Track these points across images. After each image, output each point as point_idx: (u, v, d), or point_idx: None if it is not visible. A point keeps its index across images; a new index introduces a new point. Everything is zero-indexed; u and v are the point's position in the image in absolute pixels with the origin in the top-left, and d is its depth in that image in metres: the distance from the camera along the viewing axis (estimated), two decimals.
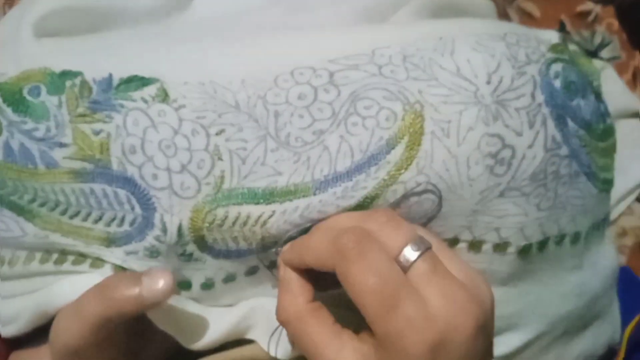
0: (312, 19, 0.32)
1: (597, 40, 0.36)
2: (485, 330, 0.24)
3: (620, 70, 0.42)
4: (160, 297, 0.26)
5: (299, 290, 0.26)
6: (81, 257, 0.28)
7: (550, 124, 0.28)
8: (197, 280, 0.29)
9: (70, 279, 0.28)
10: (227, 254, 0.28)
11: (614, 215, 0.34)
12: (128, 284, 0.26)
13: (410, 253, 0.24)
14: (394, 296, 0.23)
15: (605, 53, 0.36)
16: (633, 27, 0.43)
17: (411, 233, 0.25)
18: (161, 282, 0.26)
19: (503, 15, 0.44)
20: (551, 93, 0.29)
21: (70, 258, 0.28)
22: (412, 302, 0.23)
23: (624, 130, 0.34)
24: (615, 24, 0.43)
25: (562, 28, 0.34)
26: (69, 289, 0.27)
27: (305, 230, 0.27)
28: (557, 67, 0.30)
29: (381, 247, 0.24)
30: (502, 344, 0.31)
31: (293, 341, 0.27)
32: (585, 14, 0.44)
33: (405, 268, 0.24)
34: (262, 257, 0.28)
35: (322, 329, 0.25)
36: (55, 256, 0.28)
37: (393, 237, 0.25)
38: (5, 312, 0.30)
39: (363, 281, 0.24)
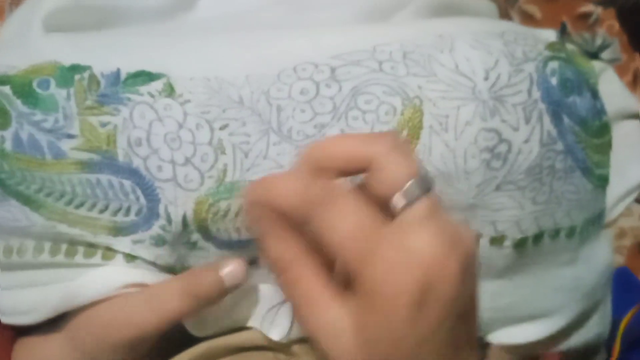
0: (315, 19, 0.33)
1: (598, 42, 0.36)
2: (471, 273, 0.23)
3: (621, 72, 0.42)
4: (239, 276, 0.28)
5: (282, 238, 0.24)
6: (91, 248, 0.29)
7: (546, 119, 0.29)
8: None
9: (95, 273, 0.29)
10: (229, 244, 0.29)
11: (612, 216, 0.34)
12: (207, 273, 0.28)
13: (410, 192, 0.23)
14: (371, 239, 0.22)
15: (605, 55, 0.36)
16: (634, 29, 0.43)
17: (415, 168, 0.23)
18: (236, 263, 0.28)
19: (505, 16, 0.44)
20: (547, 90, 0.29)
21: (81, 250, 0.29)
22: (392, 245, 0.22)
23: (623, 131, 0.34)
24: (616, 25, 0.43)
25: (563, 29, 0.34)
26: (96, 283, 0.28)
27: None
28: (553, 64, 0.30)
29: (355, 193, 0.23)
30: (498, 337, 0.31)
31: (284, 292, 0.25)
32: (586, 16, 0.44)
33: (404, 206, 0.23)
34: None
35: (313, 283, 0.24)
36: (64, 247, 0.29)
37: (395, 171, 0.23)
38: (19, 301, 0.30)
39: (338, 227, 0.22)
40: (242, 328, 0.30)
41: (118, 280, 0.28)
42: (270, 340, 0.29)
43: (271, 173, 0.27)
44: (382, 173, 0.23)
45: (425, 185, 0.23)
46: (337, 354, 0.23)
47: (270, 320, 0.29)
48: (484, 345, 0.28)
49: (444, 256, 0.22)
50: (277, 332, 0.29)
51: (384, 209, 0.23)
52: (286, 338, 0.29)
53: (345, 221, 0.22)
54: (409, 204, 0.22)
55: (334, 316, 0.23)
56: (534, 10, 0.46)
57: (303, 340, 0.29)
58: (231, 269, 0.28)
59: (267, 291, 0.30)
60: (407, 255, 0.22)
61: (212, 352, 0.30)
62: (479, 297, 0.24)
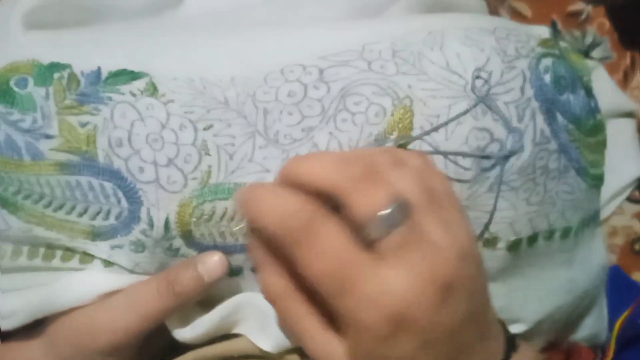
0: (304, 16, 0.32)
1: (588, 40, 0.36)
2: (456, 293, 0.23)
3: (611, 70, 0.42)
4: (219, 271, 0.27)
5: (275, 269, 0.25)
6: (69, 252, 0.28)
7: (540, 118, 0.28)
8: None
9: (73, 279, 0.28)
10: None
11: (604, 214, 0.34)
12: (186, 269, 0.27)
13: (384, 221, 0.22)
14: (347, 277, 0.22)
15: (596, 53, 0.36)
16: (624, 27, 0.43)
17: (388, 195, 0.22)
18: (215, 257, 0.27)
19: (494, 14, 0.44)
20: (540, 87, 0.29)
21: (59, 253, 0.28)
22: (367, 280, 0.22)
23: (614, 129, 0.34)
24: (607, 23, 0.43)
25: (553, 28, 0.34)
26: (74, 289, 0.28)
27: None
28: (547, 61, 0.30)
29: (334, 225, 0.22)
30: None
31: (280, 320, 0.27)
32: (576, 14, 0.44)
33: (378, 236, 0.22)
34: (247, 256, 0.28)
35: (302, 311, 0.24)
36: (42, 251, 0.28)
37: (367, 200, 0.22)
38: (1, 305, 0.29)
39: (313, 267, 0.22)
40: (231, 335, 0.29)
41: (96, 287, 0.28)
42: (261, 349, 0.29)
43: (259, 178, 0.27)
44: (349, 207, 0.23)
45: (397, 216, 0.22)
46: None
47: (261, 329, 0.28)
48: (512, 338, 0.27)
49: (417, 289, 0.22)
50: (268, 342, 0.28)
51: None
52: (277, 349, 0.28)
53: (322, 258, 0.22)
54: (381, 236, 0.22)
55: (328, 346, 0.24)
56: (524, 8, 0.45)
57: (296, 351, 0.28)
58: (210, 263, 0.27)
59: (256, 299, 0.29)
60: (380, 289, 0.22)
61: None
62: (479, 303, 0.24)
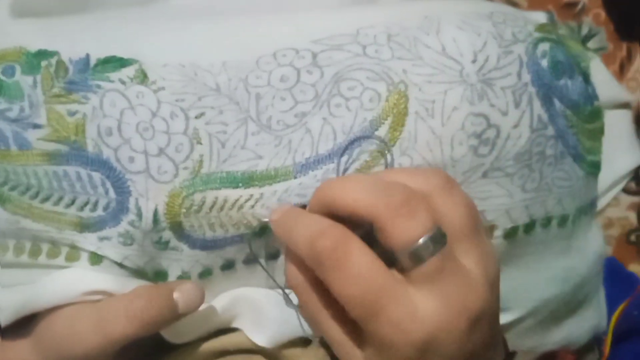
0: (299, 3, 0.32)
1: (584, 31, 0.36)
2: (483, 322, 0.24)
3: (608, 61, 0.41)
4: (195, 302, 0.27)
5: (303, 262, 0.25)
6: (55, 248, 0.27)
7: (537, 103, 0.28)
8: (173, 271, 0.28)
9: (58, 276, 0.27)
10: (203, 244, 0.27)
11: (600, 205, 0.34)
12: (159, 295, 0.26)
13: (420, 250, 0.22)
14: (376, 302, 0.22)
15: (592, 44, 0.35)
16: (620, 18, 0.43)
17: (426, 224, 0.23)
18: (190, 285, 0.27)
19: None
20: (538, 72, 0.29)
21: (45, 248, 0.27)
22: (397, 305, 0.23)
23: (610, 121, 0.34)
24: (603, 14, 0.43)
25: (550, 18, 0.34)
26: (58, 287, 0.27)
27: None
28: (544, 46, 0.29)
29: (362, 249, 0.23)
30: None
31: (300, 304, 0.27)
32: (572, 5, 0.44)
33: (412, 264, 0.23)
34: (238, 248, 0.28)
35: (326, 306, 0.25)
36: (28, 246, 0.28)
37: (404, 229, 0.23)
38: None
39: (343, 289, 0.23)
40: (227, 330, 0.29)
41: (80, 286, 0.27)
42: (257, 345, 0.28)
43: (251, 165, 0.26)
44: (384, 233, 0.23)
45: (432, 246, 0.23)
46: None
47: (256, 324, 0.28)
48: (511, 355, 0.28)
49: (449, 318, 0.23)
50: (263, 337, 0.28)
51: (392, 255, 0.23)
52: (273, 344, 0.28)
53: (353, 282, 0.23)
54: (415, 264, 0.23)
55: (347, 346, 0.24)
56: None
57: (293, 344, 0.28)
58: (187, 292, 0.26)
59: (251, 293, 0.28)
60: (410, 315, 0.23)
61: (196, 357, 0.29)
62: (496, 327, 0.25)
